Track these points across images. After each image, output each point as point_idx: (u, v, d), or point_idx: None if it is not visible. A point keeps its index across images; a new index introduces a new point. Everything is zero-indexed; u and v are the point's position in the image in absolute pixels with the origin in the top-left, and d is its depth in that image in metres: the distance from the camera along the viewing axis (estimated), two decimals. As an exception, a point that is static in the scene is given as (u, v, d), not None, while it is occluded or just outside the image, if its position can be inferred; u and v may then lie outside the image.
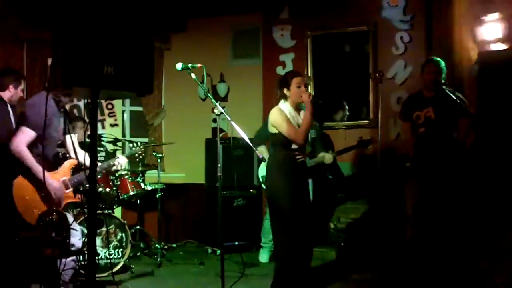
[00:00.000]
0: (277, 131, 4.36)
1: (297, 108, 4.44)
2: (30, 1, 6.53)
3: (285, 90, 4.41)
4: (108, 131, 6.77)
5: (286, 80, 4.44)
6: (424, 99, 5.01)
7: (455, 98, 4.74)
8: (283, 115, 4.34)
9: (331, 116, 6.85)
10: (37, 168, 3.90)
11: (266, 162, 5.79)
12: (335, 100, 6.98)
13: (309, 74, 6.77)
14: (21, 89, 4.81)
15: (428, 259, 4.88)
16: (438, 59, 4.99)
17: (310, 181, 5.76)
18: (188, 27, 7.73)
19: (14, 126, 4.76)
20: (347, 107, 6.83)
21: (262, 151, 5.80)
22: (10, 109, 4.79)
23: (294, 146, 4.36)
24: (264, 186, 5.82)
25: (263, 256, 6.10)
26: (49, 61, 6.45)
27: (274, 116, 4.37)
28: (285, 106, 4.40)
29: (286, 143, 4.35)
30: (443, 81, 4.88)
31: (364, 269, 5.47)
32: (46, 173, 3.86)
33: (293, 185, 4.33)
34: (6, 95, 4.74)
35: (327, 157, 5.70)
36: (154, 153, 6.49)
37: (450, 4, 6.20)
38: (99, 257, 5.16)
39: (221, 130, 7.23)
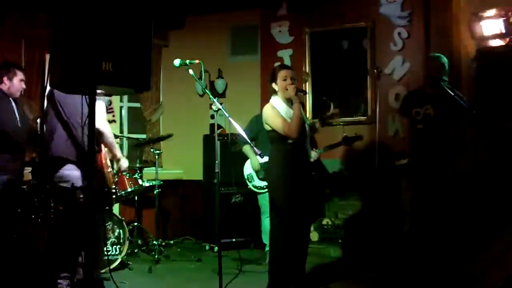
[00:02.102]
0: (271, 128, 4.34)
1: (289, 101, 4.38)
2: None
3: (273, 85, 4.39)
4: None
5: (273, 74, 4.41)
6: (424, 95, 4.99)
7: (454, 95, 4.72)
8: (275, 111, 4.31)
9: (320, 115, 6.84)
10: (115, 145, 4.10)
11: (250, 160, 5.83)
12: (320, 100, 6.88)
13: (307, 71, 6.76)
14: (18, 80, 4.76)
15: (426, 255, 4.88)
16: (440, 55, 4.97)
17: None
18: (186, 23, 7.71)
19: (18, 120, 4.73)
20: (332, 105, 6.70)
21: (246, 150, 5.80)
22: (13, 103, 4.75)
23: (290, 141, 4.31)
24: (249, 185, 5.85)
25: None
26: (47, 57, 6.42)
27: (266, 113, 4.35)
28: (276, 101, 4.37)
29: (282, 139, 4.31)
30: (444, 79, 4.85)
31: (362, 266, 5.47)
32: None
33: (292, 181, 4.30)
34: (4, 87, 4.71)
35: (312, 155, 5.49)
36: (152, 150, 6.47)
37: None
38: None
39: (219, 127, 7.22)
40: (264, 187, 5.78)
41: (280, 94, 4.37)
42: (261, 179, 5.79)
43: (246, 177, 5.86)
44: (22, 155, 4.81)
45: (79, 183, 3.73)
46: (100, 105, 3.81)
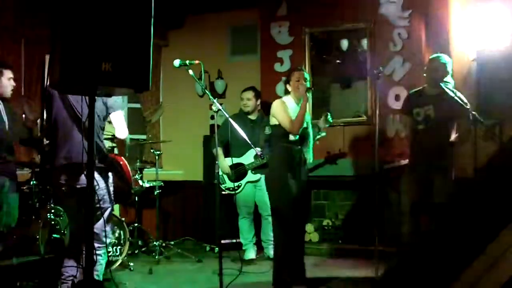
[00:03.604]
0: (277, 122, 4.50)
1: (299, 103, 4.56)
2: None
3: (287, 85, 4.64)
4: (105, 128, 6.72)
5: (289, 75, 4.68)
6: (426, 96, 4.99)
7: (455, 96, 4.71)
8: (283, 106, 4.51)
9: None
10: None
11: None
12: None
13: (307, 71, 6.74)
14: (7, 78, 4.64)
15: (424, 256, 4.87)
16: (441, 55, 4.96)
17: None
18: (186, 23, 7.72)
19: (6, 122, 4.65)
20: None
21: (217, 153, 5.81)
22: (1, 104, 4.66)
23: (292, 138, 4.48)
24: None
25: (249, 254, 5.99)
26: (47, 57, 6.41)
27: (274, 106, 4.55)
28: (287, 99, 4.59)
29: (284, 135, 4.49)
30: (446, 80, 4.84)
31: (362, 266, 5.47)
32: None
33: (291, 178, 4.44)
34: None
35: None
36: (152, 150, 6.47)
37: (447, 0, 6.18)
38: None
39: (219, 127, 7.21)
40: (236, 187, 5.81)
41: (292, 94, 4.60)
42: (232, 180, 5.82)
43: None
44: (13, 157, 4.72)
45: (101, 184, 3.84)
46: (122, 115, 4.00)
